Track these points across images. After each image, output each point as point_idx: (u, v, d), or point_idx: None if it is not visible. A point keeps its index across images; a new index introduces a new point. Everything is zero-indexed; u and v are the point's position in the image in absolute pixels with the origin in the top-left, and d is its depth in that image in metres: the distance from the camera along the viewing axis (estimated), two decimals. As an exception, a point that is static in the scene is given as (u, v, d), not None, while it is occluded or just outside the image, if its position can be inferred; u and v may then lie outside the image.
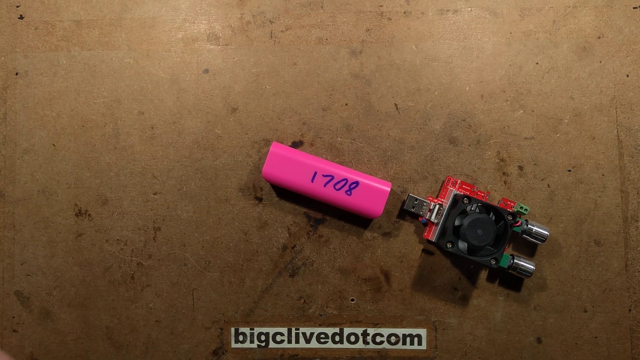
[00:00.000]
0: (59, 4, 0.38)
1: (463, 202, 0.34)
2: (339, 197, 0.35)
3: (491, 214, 0.35)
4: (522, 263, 0.35)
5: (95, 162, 0.38)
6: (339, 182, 0.35)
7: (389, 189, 0.35)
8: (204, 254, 0.37)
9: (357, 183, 0.35)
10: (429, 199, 0.37)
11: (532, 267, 0.35)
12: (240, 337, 0.37)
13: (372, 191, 0.35)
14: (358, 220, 0.37)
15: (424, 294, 0.37)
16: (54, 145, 0.38)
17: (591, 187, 0.37)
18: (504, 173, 0.37)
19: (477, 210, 0.35)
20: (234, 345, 0.37)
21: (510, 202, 0.36)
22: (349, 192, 0.35)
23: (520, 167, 0.37)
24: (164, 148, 0.38)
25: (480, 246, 0.34)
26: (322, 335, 0.37)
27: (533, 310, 0.37)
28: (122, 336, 0.37)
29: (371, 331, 0.37)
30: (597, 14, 0.37)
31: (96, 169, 0.37)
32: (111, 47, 0.38)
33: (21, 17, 0.38)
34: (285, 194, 0.37)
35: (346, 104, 0.38)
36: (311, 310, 0.37)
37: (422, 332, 0.37)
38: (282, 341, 0.37)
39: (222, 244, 0.37)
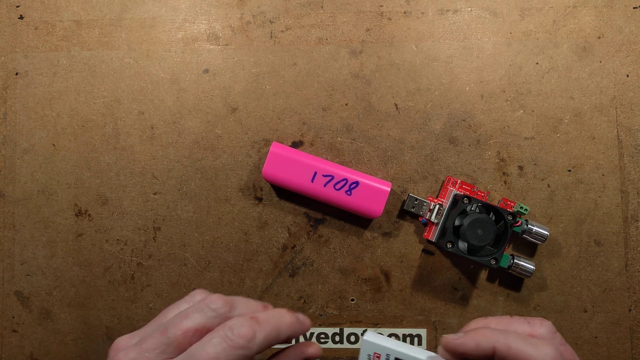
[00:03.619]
0: (59, 4, 0.38)
1: (463, 202, 0.34)
2: (339, 197, 0.35)
3: (491, 214, 0.35)
4: (522, 263, 0.35)
5: (95, 162, 0.38)
6: (339, 182, 0.35)
7: (389, 189, 0.35)
8: (204, 254, 0.37)
9: (357, 183, 0.35)
10: (429, 199, 0.37)
11: (532, 267, 0.35)
12: (240, 337, 0.37)
13: (372, 191, 0.35)
14: (358, 220, 0.37)
15: (424, 294, 0.37)
16: (54, 145, 0.38)
17: (591, 187, 0.37)
18: (504, 173, 0.37)
19: (477, 210, 0.35)
20: (234, 345, 0.37)
21: (510, 202, 0.36)
22: (349, 192, 0.35)
23: (520, 167, 0.37)
24: (164, 148, 0.38)
25: (480, 246, 0.34)
26: (322, 335, 0.37)
27: (533, 310, 0.37)
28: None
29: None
30: (597, 14, 0.37)
31: (96, 169, 0.37)
32: (111, 47, 0.38)
33: (21, 17, 0.38)
34: (285, 194, 0.37)
35: (346, 104, 0.38)
36: (311, 310, 0.37)
37: (422, 332, 0.37)
38: (282, 341, 0.37)
39: (222, 244, 0.37)
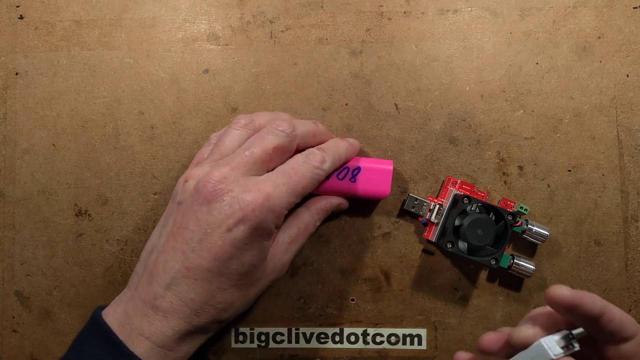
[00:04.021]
0: (59, 4, 0.38)
1: (463, 202, 0.34)
2: (344, 186, 0.35)
3: (491, 214, 0.35)
4: (522, 263, 0.35)
5: (95, 162, 0.38)
6: (341, 171, 0.35)
7: (392, 167, 0.35)
8: (204, 254, 0.37)
9: (359, 169, 0.35)
10: (429, 199, 0.37)
11: (532, 267, 0.35)
12: (240, 337, 0.37)
13: (376, 173, 0.35)
14: (358, 220, 0.37)
15: (424, 294, 0.37)
16: (54, 145, 0.38)
17: (591, 187, 0.37)
18: (504, 173, 0.37)
19: (477, 210, 0.35)
20: (234, 345, 0.37)
21: (510, 202, 0.36)
22: (353, 180, 0.35)
23: (520, 167, 0.37)
24: (164, 148, 0.38)
25: (480, 246, 0.34)
26: (322, 335, 0.37)
27: (533, 310, 0.37)
28: (122, 336, 0.37)
29: (371, 331, 0.37)
30: (597, 14, 0.37)
31: (96, 169, 0.38)
32: (111, 47, 0.38)
33: (21, 17, 0.38)
34: (285, 194, 0.37)
35: (346, 104, 0.38)
36: (311, 310, 0.37)
37: (422, 332, 0.37)
38: (282, 341, 0.37)
39: (222, 244, 0.37)
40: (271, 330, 0.37)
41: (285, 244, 0.33)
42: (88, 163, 0.38)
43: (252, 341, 0.37)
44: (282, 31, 0.38)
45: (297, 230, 0.33)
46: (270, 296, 0.37)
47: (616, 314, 0.26)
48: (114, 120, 0.38)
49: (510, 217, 0.34)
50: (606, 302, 0.26)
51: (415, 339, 0.37)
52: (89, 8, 0.38)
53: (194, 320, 0.29)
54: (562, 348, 0.26)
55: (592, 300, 0.25)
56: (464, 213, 0.35)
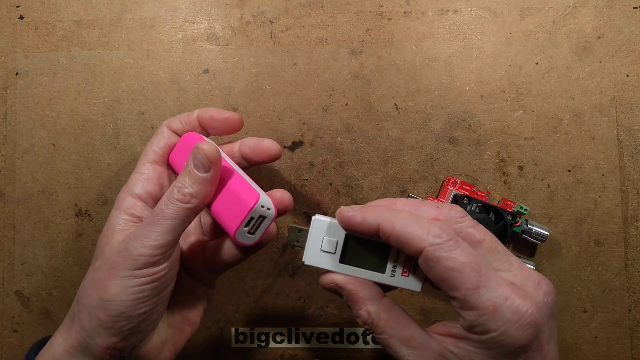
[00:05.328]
0: (59, 4, 0.38)
1: (463, 202, 0.34)
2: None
3: (491, 214, 0.35)
4: (522, 263, 0.35)
5: (95, 162, 0.38)
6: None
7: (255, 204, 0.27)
8: (204, 254, 0.37)
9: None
10: (429, 199, 0.37)
11: (532, 267, 0.35)
12: (240, 337, 0.37)
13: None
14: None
15: (424, 294, 0.37)
16: (54, 145, 0.38)
17: (591, 187, 0.37)
18: (504, 173, 0.37)
19: (477, 210, 0.35)
20: (234, 345, 0.37)
21: (510, 202, 0.36)
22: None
23: (520, 167, 0.37)
24: (164, 148, 0.37)
25: (480, 246, 0.34)
26: (322, 335, 0.37)
27: (533, 310, 0.37)
28: (122, 336, 0.37)
29: (371, 331, 0.37)
30: (597, 14, 0.37)
31: (96, 169, 0.37)
32: (111, 47, 0.38)
33: (21, 17, 0.38)
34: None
35: (346, 104, 0.38)
36: (311, 310, 0.37)
37: (422, 332, 0.37)
38: (282, 341, 0.37)
39: (222, 244, 0.37)
40: (271, 330, 0.37)
41: None
42: (88, 163, 0.38)
43: (252, 341, 0.37)
44: (282, 31, 0.38)
45: None
46: (271, 296, 0.37)
47: (395, 227, 0.24)
48: (114, 120, 0.38)
49: (510, 217, 0.34)
50: (386, 213, 0.25)
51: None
52: (89, 8, 0.38)
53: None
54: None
55: (361, 220, 0.25)
56: (464, 213, 0.35)
